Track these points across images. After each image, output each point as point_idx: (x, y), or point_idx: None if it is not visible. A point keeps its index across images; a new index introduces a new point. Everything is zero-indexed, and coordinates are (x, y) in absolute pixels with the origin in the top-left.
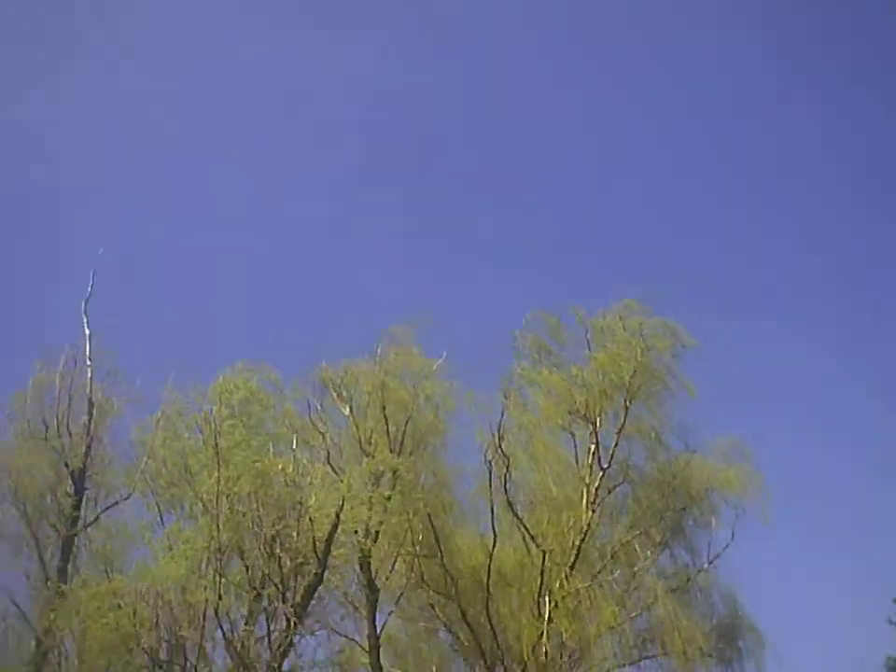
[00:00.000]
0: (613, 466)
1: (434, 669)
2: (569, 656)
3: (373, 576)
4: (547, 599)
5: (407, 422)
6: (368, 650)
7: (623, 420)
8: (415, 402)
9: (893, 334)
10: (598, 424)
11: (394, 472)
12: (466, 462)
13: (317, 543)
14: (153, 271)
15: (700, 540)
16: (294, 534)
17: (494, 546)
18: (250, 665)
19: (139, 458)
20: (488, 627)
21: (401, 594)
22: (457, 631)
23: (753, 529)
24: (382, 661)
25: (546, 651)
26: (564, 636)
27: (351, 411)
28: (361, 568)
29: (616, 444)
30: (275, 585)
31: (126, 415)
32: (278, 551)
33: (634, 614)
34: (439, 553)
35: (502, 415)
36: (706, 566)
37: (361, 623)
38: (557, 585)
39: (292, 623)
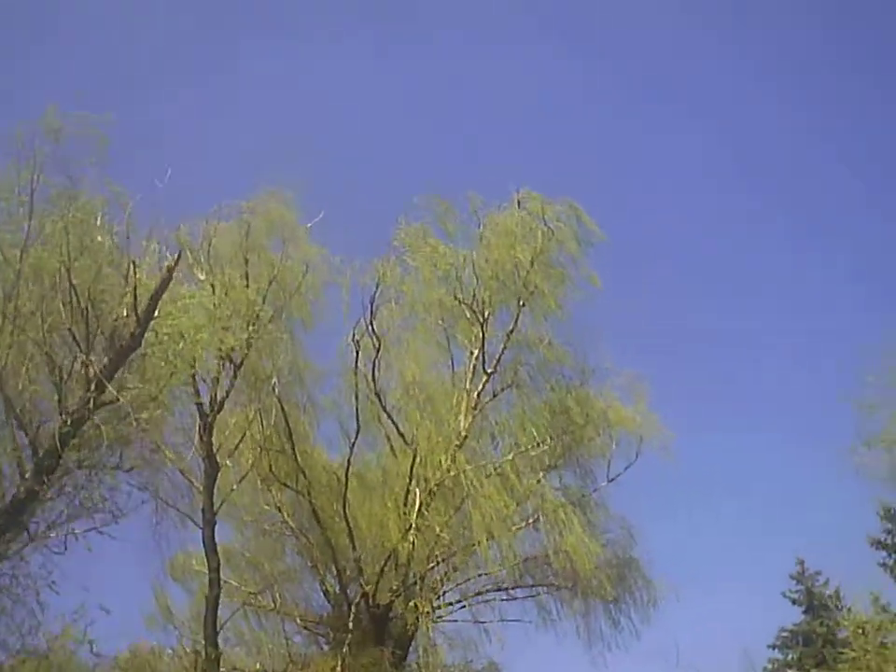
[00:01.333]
0: (500, 372)
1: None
2: (443, 560)
3: (214, 450)
4: (418, 490)
5: (270, 284)
6: (202, 526)
7: (515, 318)
8: (281, 265)
9: None
10: (486, 318)
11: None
12: (333, 343)
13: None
14: None
15: (595, 466)
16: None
17: (356, 437)
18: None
19: None
20: (344, 526)
21: (245, 475)
22: (308, 535)
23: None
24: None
25: (413, 546)
26: (437, 530)
27: (208, 274)
28: (202, 437)
29: (504, 348)
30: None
31: None
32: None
33: (518, 527)
34: (290, 446)
35: (377, 287)
36: (603, 484)
37: (196, 499)
38: (431, 473)
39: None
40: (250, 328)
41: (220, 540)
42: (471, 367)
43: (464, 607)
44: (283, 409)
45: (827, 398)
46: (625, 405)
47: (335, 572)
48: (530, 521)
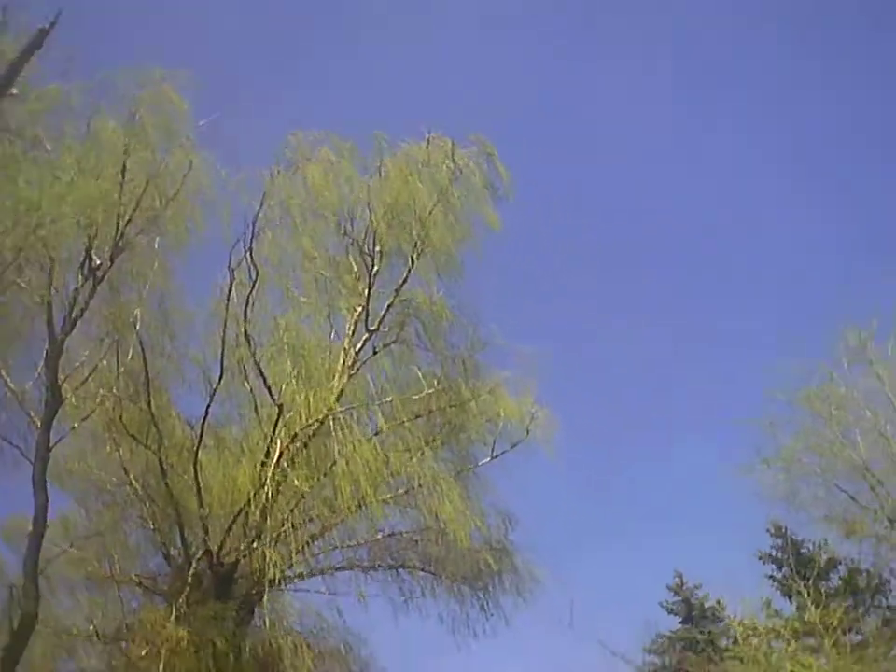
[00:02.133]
0: (383, 332)
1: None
2: (303, 524)
3: (59, 382)
4: (279, 441)
5: (147, 186)
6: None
7: (407, 272)
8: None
9: None
10: (376, 268)
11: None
12: (207, 277)
13: None
14: None
15: (477, 449)
16: None
17: (218, 383)
18: None
19: None
20: (193, 483)
21: (90, 414)
22: (154, 497)
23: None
24: None
25: (268, 503)
26: (297, 485)
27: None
28: (46, 363)
29: (391, 304)
30: None
31: None
32: None
33: (390, 495)
34: (146, 394)
35: (261, 204)
36: (485, 460)
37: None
38: (299, 429)
39: None
40: (118, 233)
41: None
42: (353, 321)
43: (322, 574)
44: (142, 349)
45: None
46: (514, 393)
47: (180, 533)
48: (404, 491)
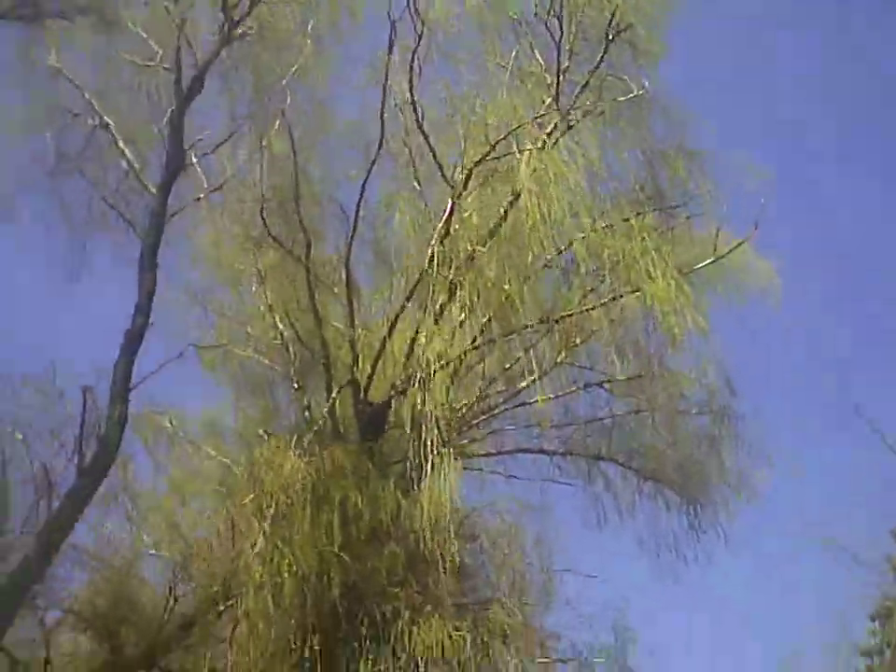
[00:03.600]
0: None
1: None
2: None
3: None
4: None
5: None
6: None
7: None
8: None
9: None
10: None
11: None
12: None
13: None
14: None
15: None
16: None
17: (376, 157)
18: None
19: None
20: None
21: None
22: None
23: None
24: None
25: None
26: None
27: None
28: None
29: (585, 85)
30: None
31: None
32: None
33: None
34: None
35: None
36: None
37: None
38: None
39: None
40: None
41: None
42: (540, 100)
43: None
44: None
45: None
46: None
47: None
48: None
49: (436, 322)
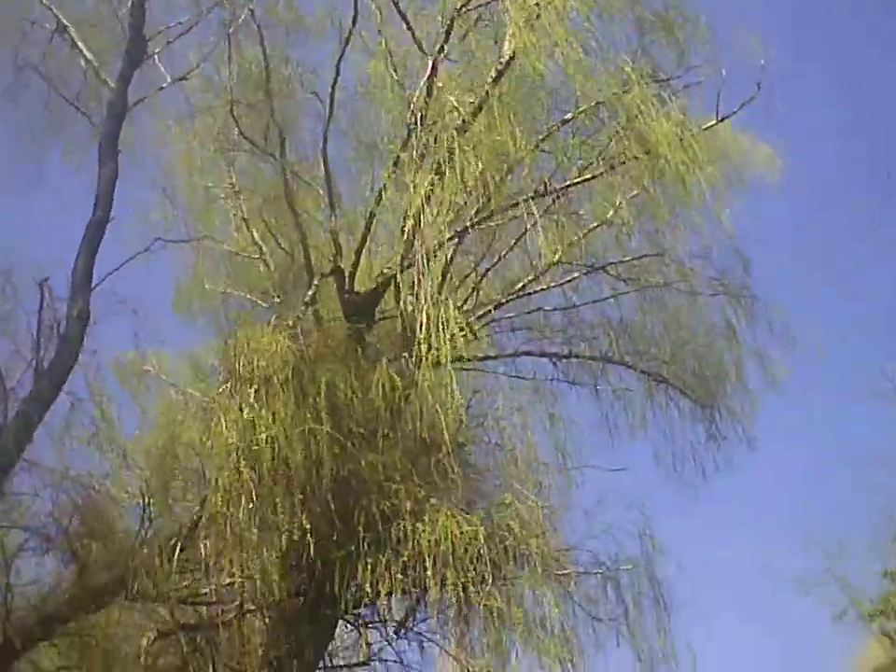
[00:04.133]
0: None
1: None
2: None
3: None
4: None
5: None
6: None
7: None
8: None
9: None
10: None
11: None
12: None
13: None
14: None
15: None
16: None
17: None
18: None
19: None
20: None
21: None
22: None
23: None
24: None
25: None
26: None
27: None
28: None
29: None
30: None
31: None
32: None
33: None
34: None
35: None
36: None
37: None
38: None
39: None
40: None
41: None
42: None
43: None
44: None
45: None
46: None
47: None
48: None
49: (428, 198)
